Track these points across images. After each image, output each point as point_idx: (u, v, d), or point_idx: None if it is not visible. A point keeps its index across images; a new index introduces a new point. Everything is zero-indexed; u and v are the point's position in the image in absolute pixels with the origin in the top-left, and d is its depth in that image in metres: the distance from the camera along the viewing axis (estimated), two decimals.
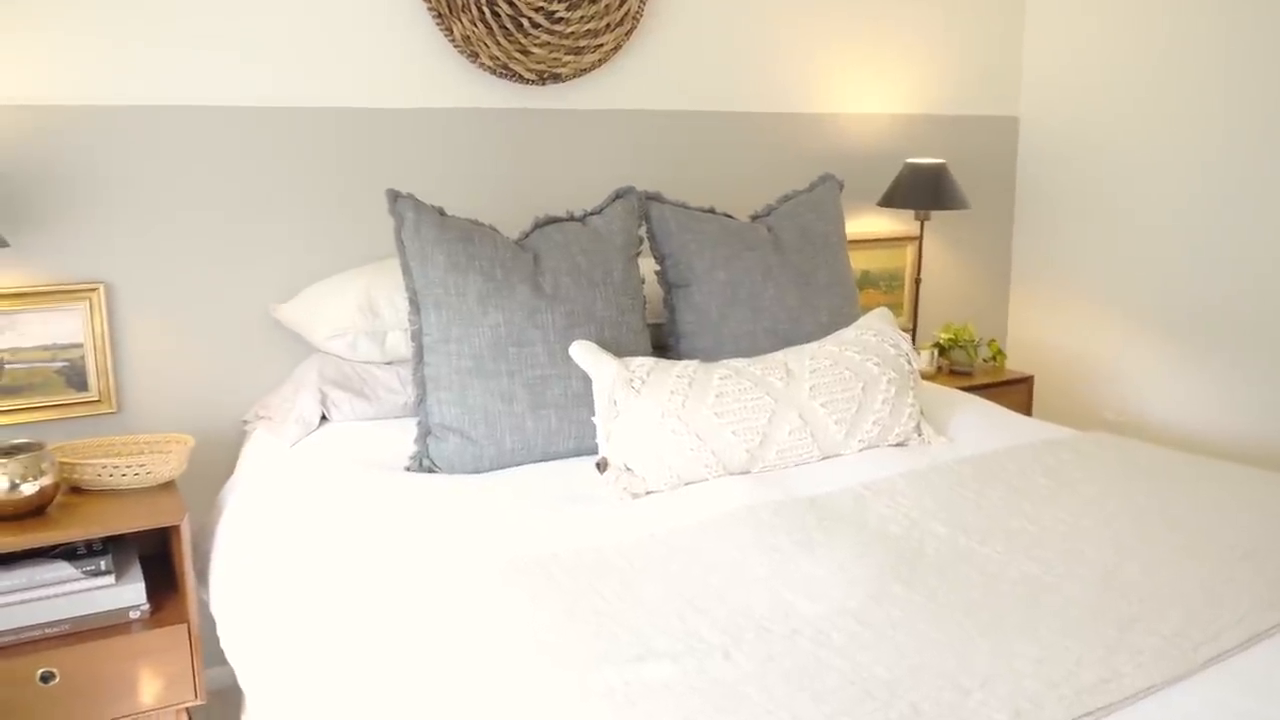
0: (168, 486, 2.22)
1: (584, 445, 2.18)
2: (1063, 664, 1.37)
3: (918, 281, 3.46)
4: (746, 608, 1.53)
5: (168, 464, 2.21)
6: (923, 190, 3.18)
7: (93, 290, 2.34)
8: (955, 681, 1.32)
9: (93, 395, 2.38)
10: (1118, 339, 3.46)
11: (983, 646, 1.42)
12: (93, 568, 2.07)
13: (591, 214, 2.39)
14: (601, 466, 2.08)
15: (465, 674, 1.37)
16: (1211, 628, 1.47)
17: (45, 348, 2.31)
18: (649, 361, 2.13)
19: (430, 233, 2.15)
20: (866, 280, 3.44)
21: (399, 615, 1.56)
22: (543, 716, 1.25)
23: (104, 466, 2.15)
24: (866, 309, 2.64)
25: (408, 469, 2.13)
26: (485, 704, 1.30)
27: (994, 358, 3.43)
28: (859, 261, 3.39)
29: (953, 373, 3.35)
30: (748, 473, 2.12)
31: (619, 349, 2.22)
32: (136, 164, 2.37)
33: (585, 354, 2.12)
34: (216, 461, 2.51)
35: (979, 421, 2.49)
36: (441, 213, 2.20)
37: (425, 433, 2.14)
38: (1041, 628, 1.48)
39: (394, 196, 2.18)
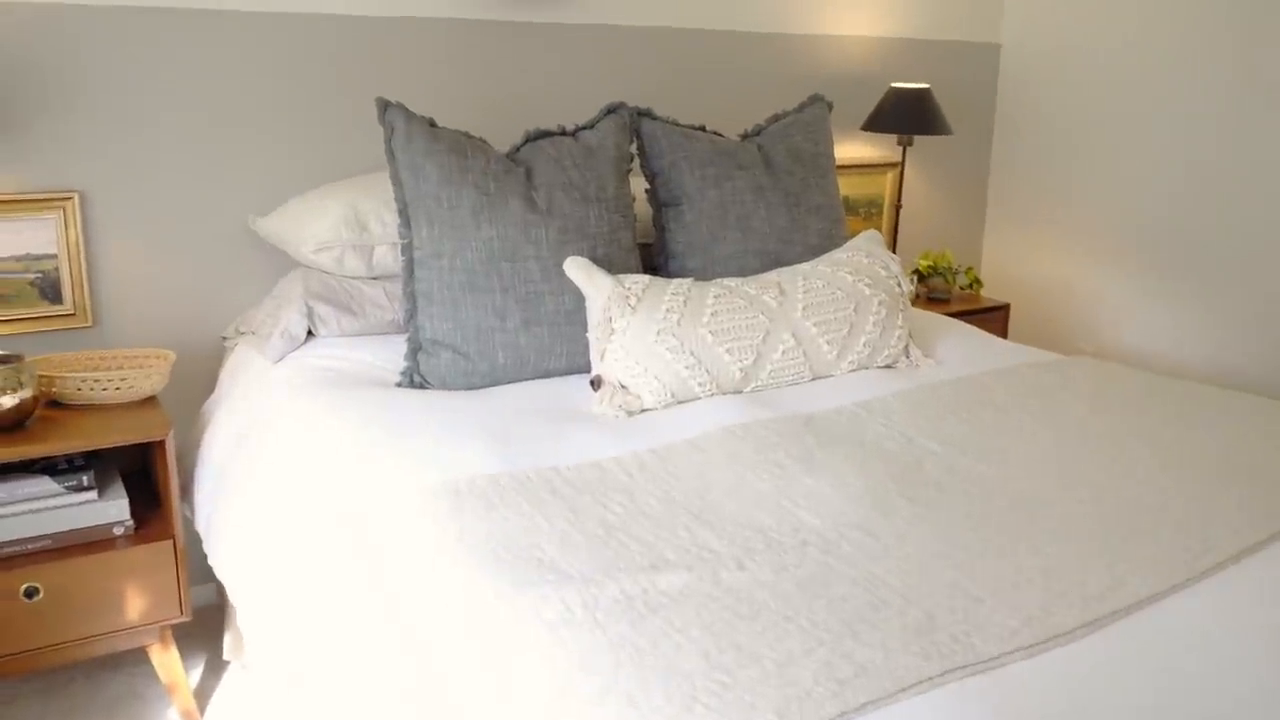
0: (149, 401, 2.18)
1: (576, 363, 2.17)
2: (1067, 575, 1.40)
3: (898, 208, 3.46)
4: (752, 520, 1.54)
5: (149, 378, 2.16)
6: (907, 115, 3.16)
7: (66, 199, 2.26)
8: (965, 590, 1.35)
9: (67, 308, 2.31)
10: (1092, 269, 3.50)
11: (988, 558, 1.44)
12: (75, 483, 2.03)
13: (583, 129, 2.34)
14: (595, 384, 2.07)
15: (467, 586, 1.36)
16: (1207, 540, 1.50)
17: (18, 258, 2.24)
18: (644, 279, 2.11)
19: (422, 144, 2.09)
20: (846, 206, 3.42)
21: (400, 526, 1.55)
22: (555, 630, 1.24)
23: (84, 380, 2.09)
24: (849, 236, 2.63)
25: (399, 384, 2.10)
26: (484, 621, 1.28)
27: (971, 285, 3.45)
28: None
29: (930, 300, 3.36)
30: (740, 392, 2.12)
31: (611, 266, 2.19)
32: (112, 68, 2.27)
33: (580, 271, 2.10)
34: (194, 377, 2.46)
35: (964, 344, 2.51)
36: (432, 123, 2.15)
37: (416, 348, 2.11)
38: (1042, 541, 1.50)
39: (384, 105, 2.12)
